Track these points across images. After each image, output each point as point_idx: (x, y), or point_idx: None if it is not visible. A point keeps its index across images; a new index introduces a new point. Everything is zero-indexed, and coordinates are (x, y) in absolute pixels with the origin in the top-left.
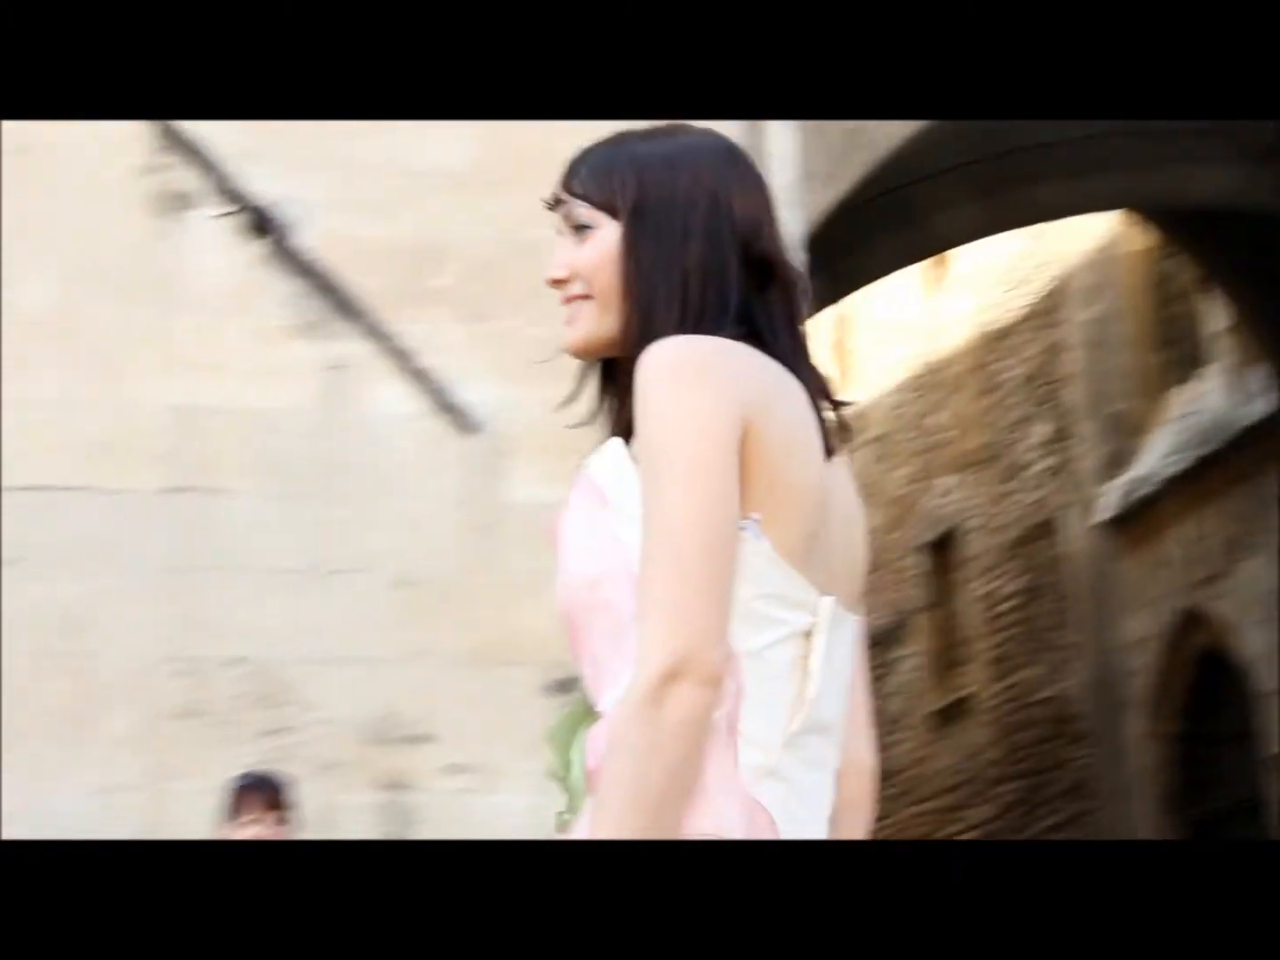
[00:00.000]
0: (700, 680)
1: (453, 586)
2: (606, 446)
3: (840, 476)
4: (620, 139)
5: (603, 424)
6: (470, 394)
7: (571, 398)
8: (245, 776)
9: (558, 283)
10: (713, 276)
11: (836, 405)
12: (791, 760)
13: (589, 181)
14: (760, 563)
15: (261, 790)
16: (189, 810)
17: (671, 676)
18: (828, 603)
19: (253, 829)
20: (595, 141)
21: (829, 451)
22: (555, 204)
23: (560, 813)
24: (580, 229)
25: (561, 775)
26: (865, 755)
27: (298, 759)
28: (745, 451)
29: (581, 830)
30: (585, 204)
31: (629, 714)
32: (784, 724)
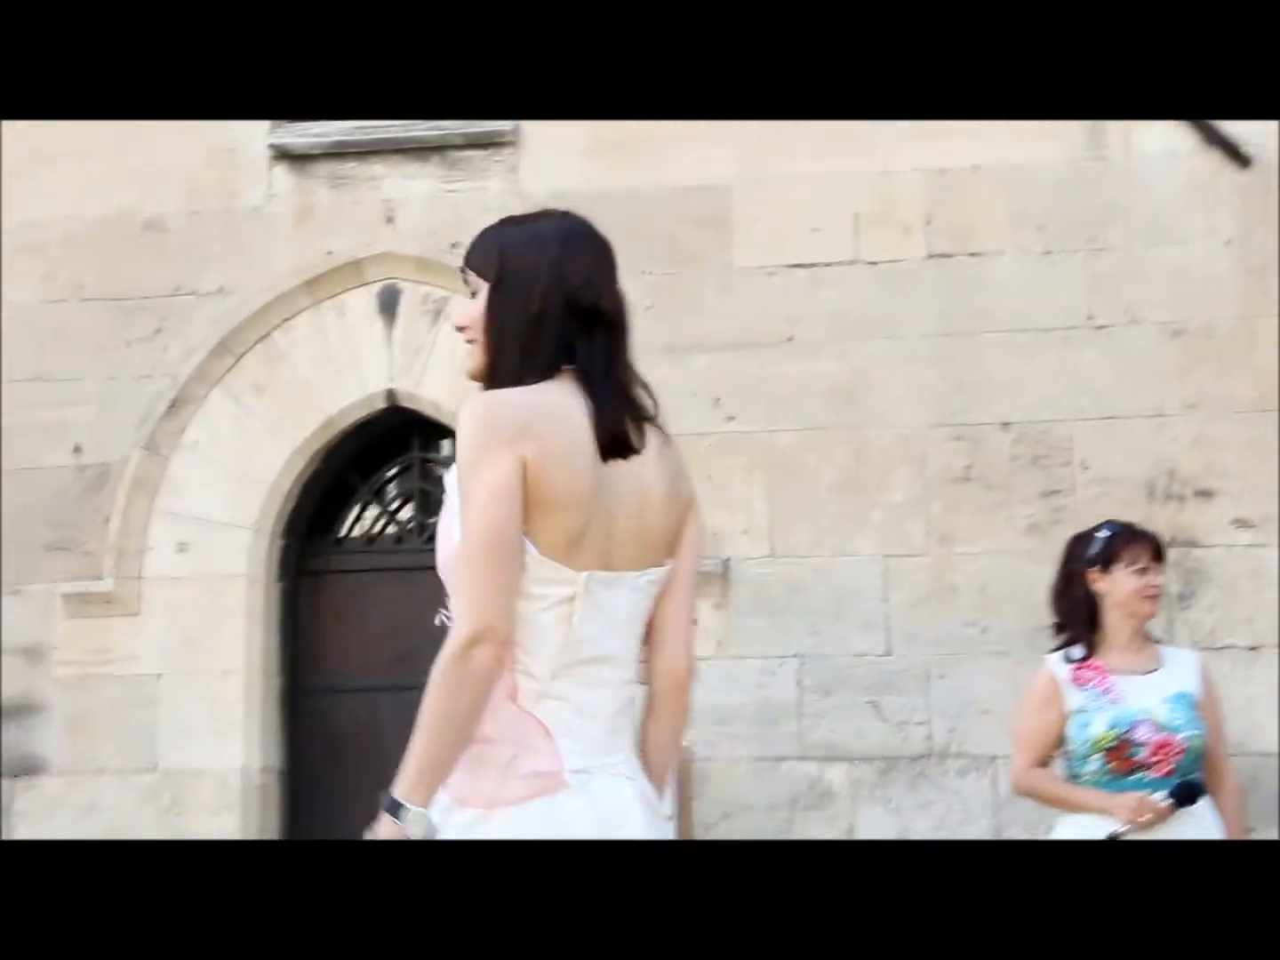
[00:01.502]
0: (493, 642)
1: (1231, 332)
2: (451, 469)
3: (636, 470)
4: (500, 225)
5: None
6: (1240, 126)
7: None
8: (1115, 524)
9: (461, 329)
10: (546, 326)
11: (649, 419)
12: (565, 684)
13: (474, 258)
14: (529, 560)
15: (1148, 539)
16: (970, 572)
17: (472, 641)
18: (583, 576)
19: (1143, 579)
20: (486, 227)
21: (629, 452)
22: (462, 275)
23: None
24: (474, 293)
25: None
26: (677, 661)
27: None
28: (525, 475)
29: None
30: (473, 274)
31: (445, 666)
32: (552, 662)
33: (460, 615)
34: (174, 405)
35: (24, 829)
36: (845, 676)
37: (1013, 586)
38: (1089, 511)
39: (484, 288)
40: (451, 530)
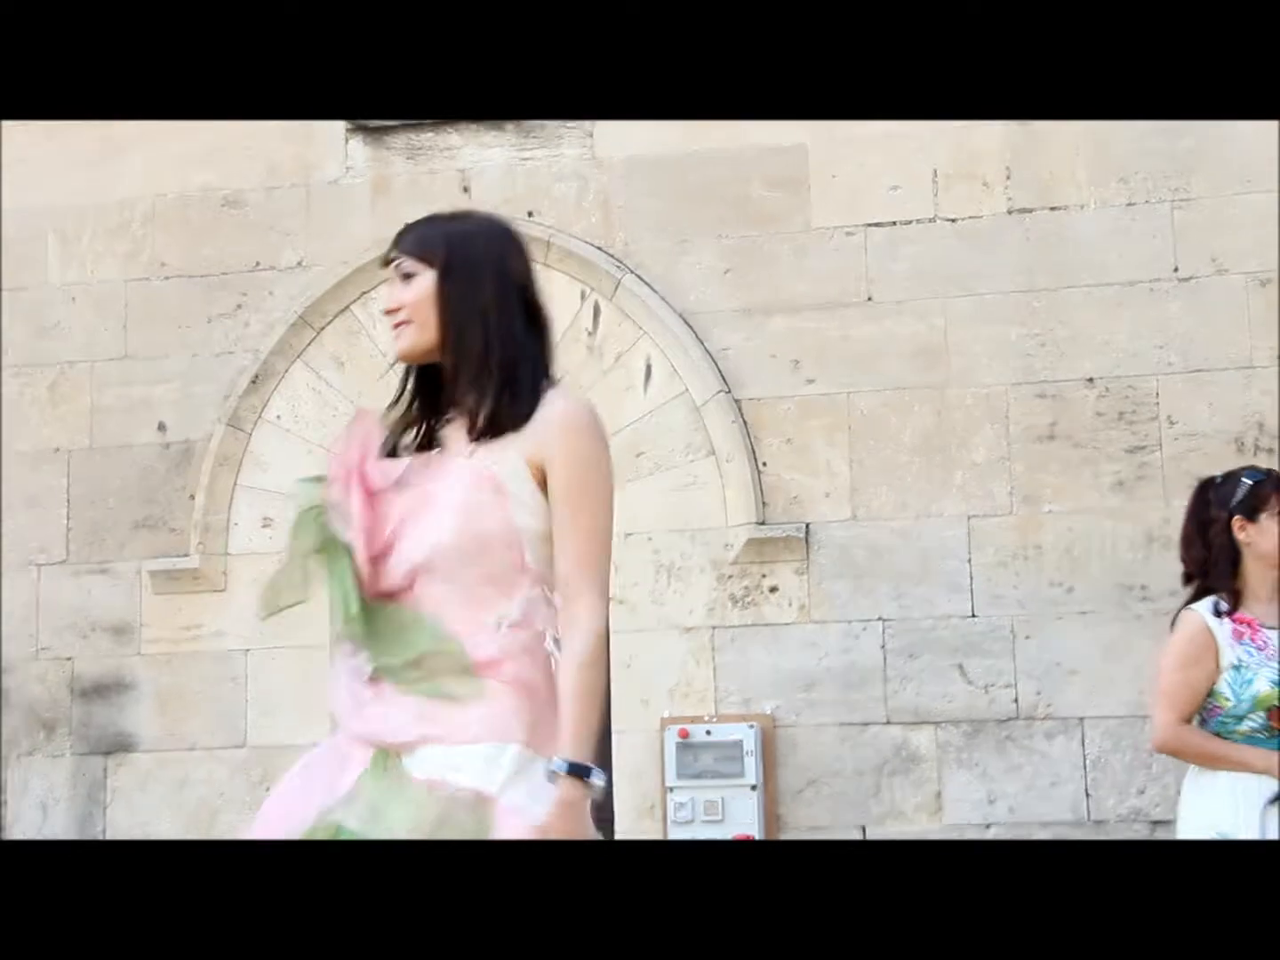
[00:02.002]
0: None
1: None
2: (505, 455)
3: None
4: (432, 219)
5: (404, 403)
6: None
7: (399, 394)
8: (1256, 472)
9: (390, 312)
10: (504, 309)
11: None
12: None
13: (413, 245)
14: None
15: None
16: (1056, 531)
17: (605, 630)
18: None
19: None
20: (414, 221)
21: None
22: (387, 261)
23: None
24: (406, 276)
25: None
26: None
27: (1163, 477)
28: None
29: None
30: (410, 260)
31: (599, 647)
32: None
33: (596, 606)
34: (255, 380)
35: (118, 805)
36: (930, 639)
37: (1099, 545)
38: (1176, 468)
39: (425, 274)
40: (507, 516)
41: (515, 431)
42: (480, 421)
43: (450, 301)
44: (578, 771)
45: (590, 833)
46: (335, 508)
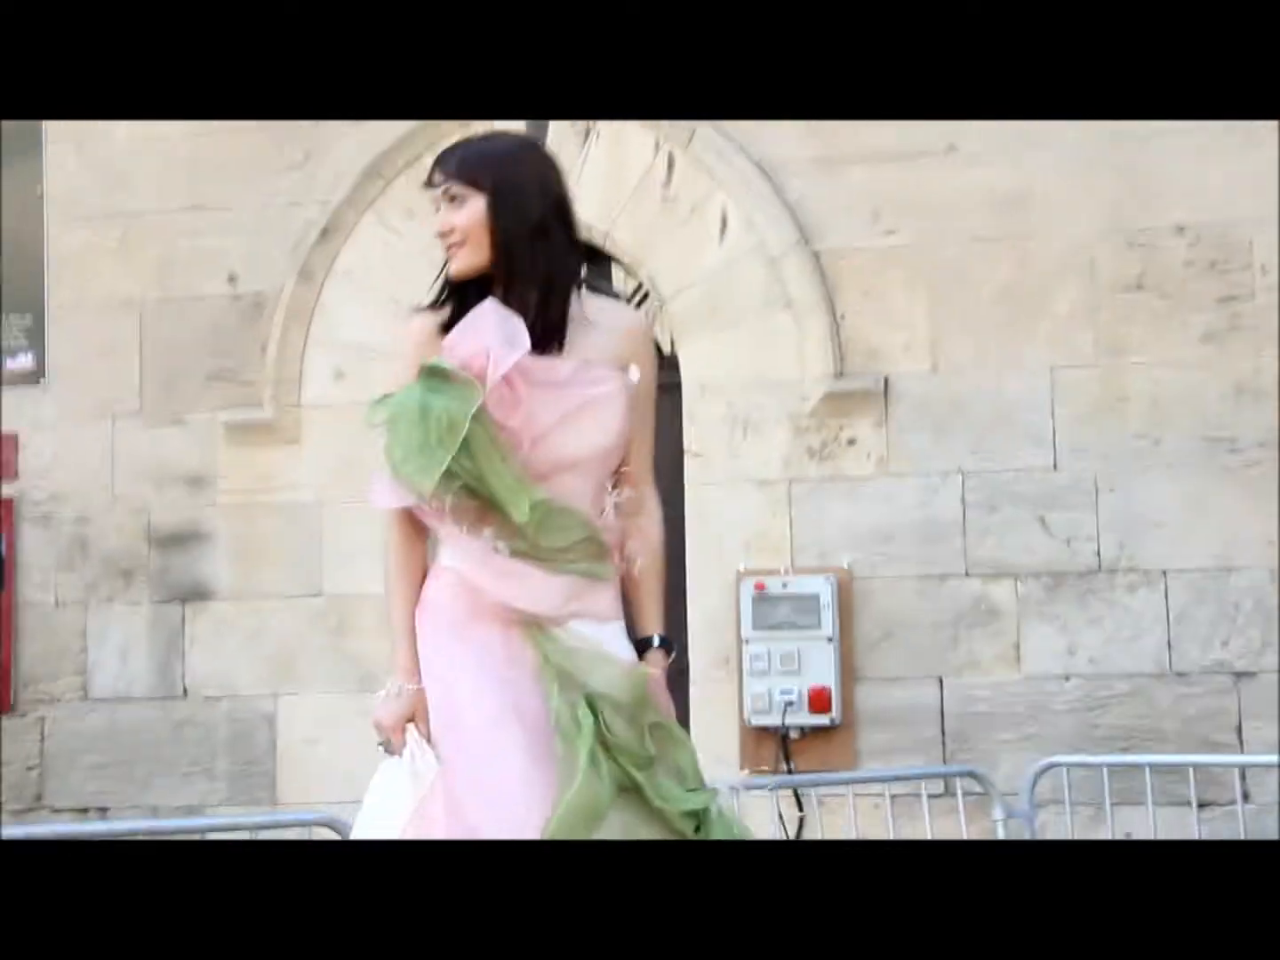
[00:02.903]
0: None
1: None
2: (633, 369)
3: None
4: (474, 140)
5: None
6: None
7: (439, 301)
8: None
9: (443, 234)
10: (549, 230)
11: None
12: None
13: (460, 168)
14: None
15: None
16: (1142, 382)
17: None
18: None
19: None
20: (455, 141)
21: None
22: (432, 184)
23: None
24: (454, 199)
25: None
26: None
27: (1256, 328)
28: None
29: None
30: (457, 184)
31: (662, 533)
32: None
33: (657, 496)
34: (325, 233)
35: (196, 653)
36: (1011, 492)
37: (1186, 397)
38: (1268, 319)
39: (475, 198)
40: (630, 422)
41: (571, 340)
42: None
43: (501, 225)
44: (666, 645)
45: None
46: (495, 394)
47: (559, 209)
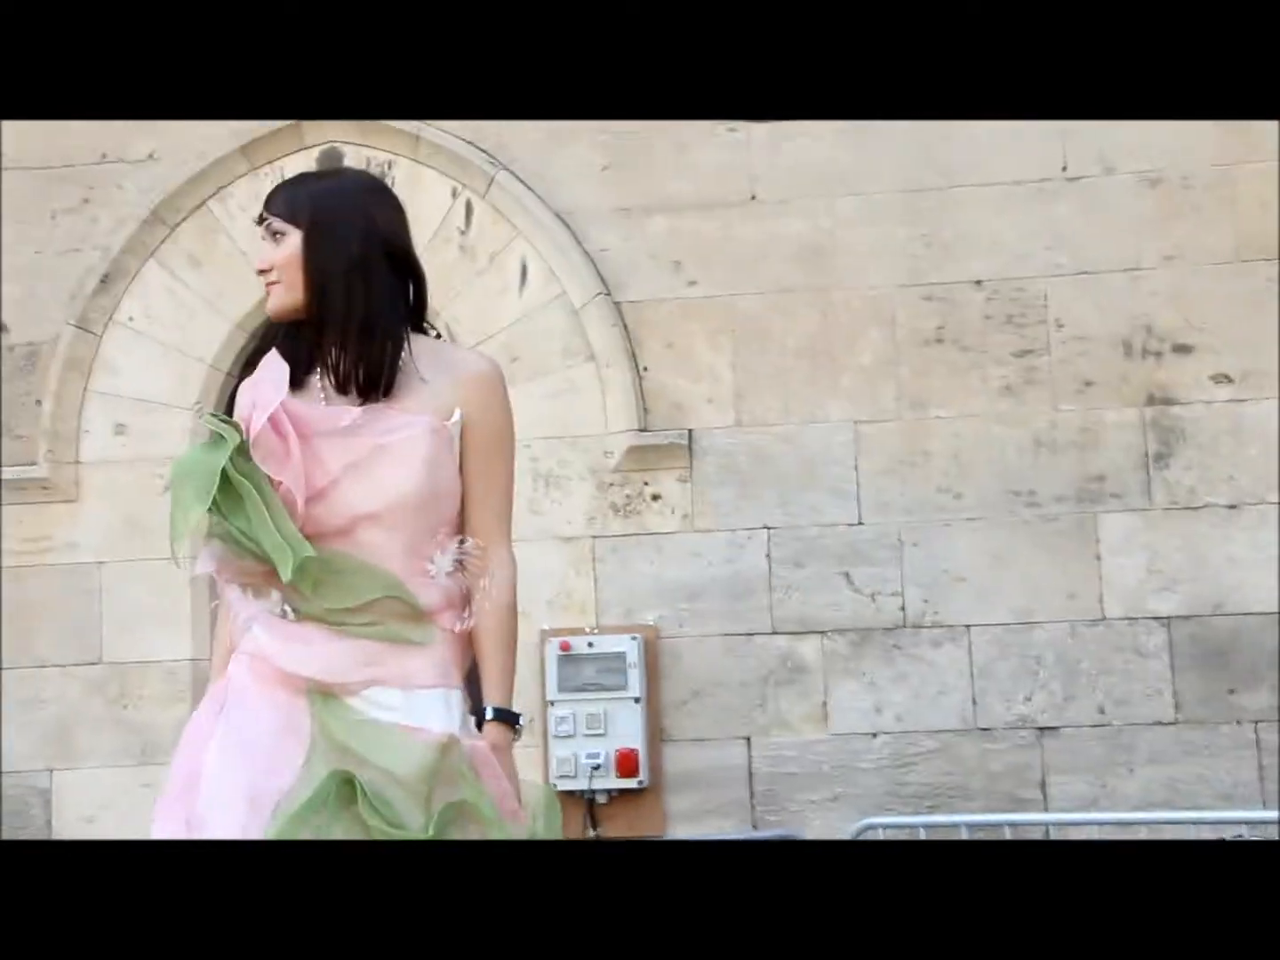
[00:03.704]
0: None
1: (1210, 181)
2: (437, 410)
3: None
4: (300, 177)
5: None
6: None
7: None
8: None
9: (261, 272)
10: (367, 268)
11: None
12: None
13: (279, 205)
14: None
15: None
16: (943, 436)
17: (516, 577)
18: None
19: None
20: (293, 176)
21: None
22: (260, 220)
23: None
24: (276, 235)
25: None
26: None
27: (1052, 381)
28: None
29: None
30: (277, 220)
31: (511, 595)
32: None
33: (509, 553)
34: (105, 280)
35: None
36: (816, 548)
37: (987, 451)
38: (1064, 371)
39: (293, 234)
40: (454, 473)
41: (385, 388)
42: (339, 377)
43: (314, 262)
44: (508, 718)
45: (514, 770)
46: (262, 448)
47: (388, 249)
